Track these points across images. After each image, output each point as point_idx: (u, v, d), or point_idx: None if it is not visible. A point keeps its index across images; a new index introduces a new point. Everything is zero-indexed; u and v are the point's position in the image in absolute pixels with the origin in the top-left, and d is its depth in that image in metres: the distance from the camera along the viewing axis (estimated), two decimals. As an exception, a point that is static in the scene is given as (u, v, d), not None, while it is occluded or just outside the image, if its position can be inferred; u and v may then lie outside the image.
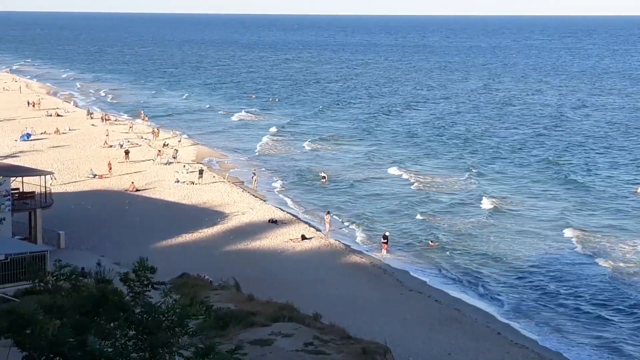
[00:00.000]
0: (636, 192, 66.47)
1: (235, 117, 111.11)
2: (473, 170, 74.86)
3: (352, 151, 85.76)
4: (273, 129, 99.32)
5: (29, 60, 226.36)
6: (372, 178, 71.77)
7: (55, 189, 58.30)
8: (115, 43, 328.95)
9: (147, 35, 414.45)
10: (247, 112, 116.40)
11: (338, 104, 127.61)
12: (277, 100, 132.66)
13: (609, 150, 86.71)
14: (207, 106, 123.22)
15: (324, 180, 69.54)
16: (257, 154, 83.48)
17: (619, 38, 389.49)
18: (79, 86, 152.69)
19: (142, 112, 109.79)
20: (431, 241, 51.80)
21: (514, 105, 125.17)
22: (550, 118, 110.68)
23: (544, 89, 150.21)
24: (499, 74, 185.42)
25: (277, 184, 69.14)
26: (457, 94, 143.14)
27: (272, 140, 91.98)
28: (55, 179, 63.71)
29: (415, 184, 69.13)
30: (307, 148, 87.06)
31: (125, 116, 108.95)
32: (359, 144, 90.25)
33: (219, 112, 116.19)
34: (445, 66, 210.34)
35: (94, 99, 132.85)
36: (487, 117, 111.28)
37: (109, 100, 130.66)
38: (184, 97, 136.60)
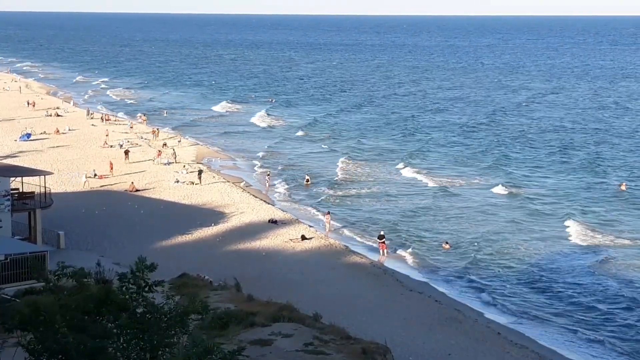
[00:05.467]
0: (619, 187, 67.26)
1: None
2: (469, 169, 74.89)
3: (344, 149, 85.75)
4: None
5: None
6: (365, 178, 71.68)
7: (55, 188, 58.11)
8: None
9: (133, 35, 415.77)
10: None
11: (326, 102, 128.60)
12: (273, 100, 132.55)
13: (591, 146, 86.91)
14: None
15: (307, 183, 69.23)
16: (255, 156, 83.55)
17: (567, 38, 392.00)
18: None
19: (165, 112, 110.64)
20: (446, 242, 51.48)
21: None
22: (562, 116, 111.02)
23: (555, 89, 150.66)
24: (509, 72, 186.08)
25: (275, 185, 69.04)
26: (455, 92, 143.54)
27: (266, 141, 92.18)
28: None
29: (414, 183, 69.17)
30: (297, 148, 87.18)
31: (122, 113, 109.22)
32: (349, 142, 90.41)
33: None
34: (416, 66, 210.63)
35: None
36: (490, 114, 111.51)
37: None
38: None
